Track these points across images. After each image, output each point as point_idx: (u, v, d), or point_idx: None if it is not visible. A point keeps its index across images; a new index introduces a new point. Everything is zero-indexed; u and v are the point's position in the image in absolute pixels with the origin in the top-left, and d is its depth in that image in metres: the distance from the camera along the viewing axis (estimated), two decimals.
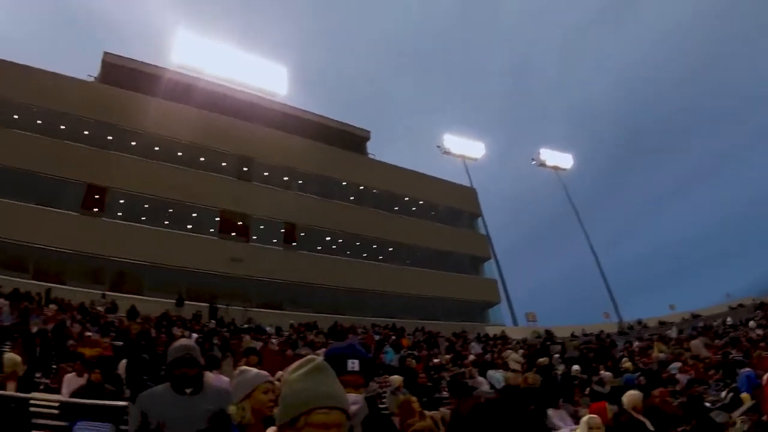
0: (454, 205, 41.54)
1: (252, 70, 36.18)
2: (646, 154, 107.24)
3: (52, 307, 20.00)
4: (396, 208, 38.14)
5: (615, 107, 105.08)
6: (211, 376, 3.46)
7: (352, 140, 39.57)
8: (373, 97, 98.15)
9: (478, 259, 41.94)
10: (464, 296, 37.99)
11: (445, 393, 13.81)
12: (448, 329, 30.42)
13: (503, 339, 29.68)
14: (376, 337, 24.65)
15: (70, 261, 26.32)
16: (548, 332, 32.79)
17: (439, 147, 44.90)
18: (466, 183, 44.66)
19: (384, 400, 10.24)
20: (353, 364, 1.91)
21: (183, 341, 3.15)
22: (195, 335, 18.67)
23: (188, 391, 2.88)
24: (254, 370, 2.82)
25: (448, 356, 19.81)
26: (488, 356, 20.07)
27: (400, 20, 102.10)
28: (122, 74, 31.63)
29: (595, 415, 5.78)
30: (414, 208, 39.24)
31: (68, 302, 21.57)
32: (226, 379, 6.33)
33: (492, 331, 33.29)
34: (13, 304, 18.95)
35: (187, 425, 2.72)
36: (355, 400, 1.73)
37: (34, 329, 14.87)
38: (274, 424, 1.49)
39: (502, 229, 56.51)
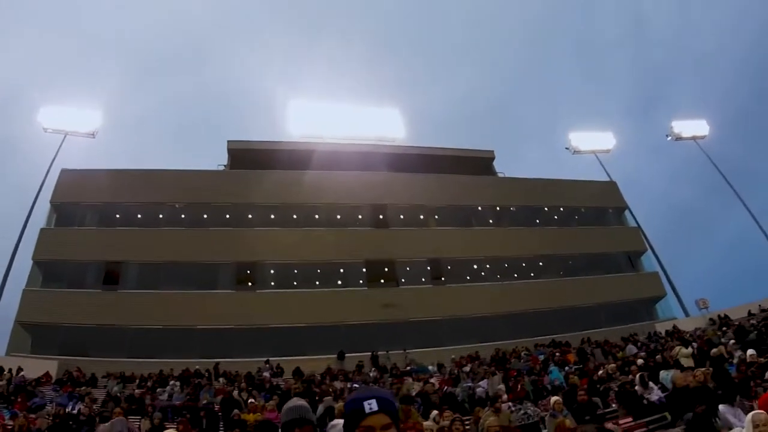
0: (596, 204, 38.82)
1: (368, 120, 37.32)
2: None
3: (222, 380, 21.47)
4: (537, 221, 36.45)
5: (746, 56, 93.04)
6: None
7: (479, 164, 38.90)
8: (488, 116, 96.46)
9: (634, 253, 38.35)
10: (627, 296, 34.85)
11: (614, 405, 12.45)
12: (616, 335, 28.50)
13: (676, 333, 26.60)
14: (541, 357, 23.21)
15: (232, 335, 28.43)
16: (722, 317, 28.94)
17: (567, 148, 42.43)
18: (603, 178, 41.57)
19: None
20: (370, 405, 1.76)
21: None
22: (356, 385, 18.92)
23: None
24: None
25: (614, 365, 17.94)
26: (659, 356, 17.72)
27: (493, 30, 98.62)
28: (247, 157, 34.70)
29: (761, 411, 4.89)
30: (556, 217, 37.19)
31: (236, 373, 22.95)
32: None
33: (663, 327, 30.09)
34: (183, 383, 20.44)
35: None
36: None
37: (203, 403, 15.67)
38: None
39: (653, 217, 51.84)
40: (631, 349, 22.29)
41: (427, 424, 10.19)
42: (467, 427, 11.95)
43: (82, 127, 36.73)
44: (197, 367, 24.35)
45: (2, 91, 75.75)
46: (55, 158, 34.91)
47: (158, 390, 20.03)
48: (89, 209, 32.06)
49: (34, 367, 23.15)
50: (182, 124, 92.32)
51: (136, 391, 20.37)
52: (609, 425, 8.80)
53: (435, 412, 10.95)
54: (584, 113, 77.27)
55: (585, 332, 29.88)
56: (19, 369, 22.41)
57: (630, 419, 10.61)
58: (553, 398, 9.98)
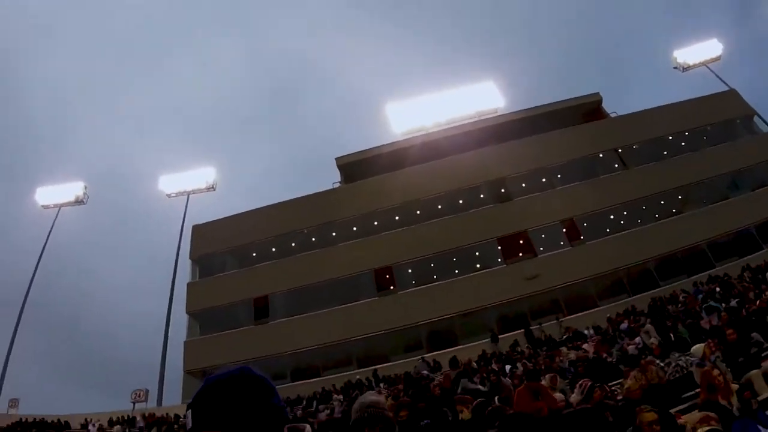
0: (722, 118, 35.44)
1: (465, 100, 36.88)
2: None
3: (382, 385, 21.82)
4: (665, 153, 33.84)
5: None
6: None
7: (586, 110, 37.19)
8: (584, 64, 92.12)
9: None
10: None
11: None
12: None
13: None
14: (699, 297, 21.21)
15: (385, 340, 29.22)
16: None
17: (676, 68, 39.49)
18: (721, 89, 38.05)
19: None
20: None
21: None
22: (509, 366, 18.58)
23: None
24: None
25: None
26: None
27: None
28: (358, 168, 35.72)
29: None
30: (683, 143, 34.37)
31: (395, 376, 23.21)
32: None
33: None
34: (345, 396, 21.00)
35: None
36: None
37: None
38: None
39: None
40: None
41: (557, 395, 9.53)
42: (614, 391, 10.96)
43: (201, 184, 39.43)
44: (357, 377, 25.12)
45: (124, 167, 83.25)
46: (184, 218, 37.73)
47: (320, 407, 20.73)
48: (227, 255, 34.18)
49: None
50: (293, 154, 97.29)
51: (299, 412, 21.19)
52: (767, 363, 7.74)
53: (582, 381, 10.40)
54: (681, 32, 71.23)
55: (744, 259, 27.44)
56: None
57: None
58: (698, 347, 9.13)
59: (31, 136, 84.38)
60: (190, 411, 1.28)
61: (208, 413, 1.22)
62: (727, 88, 37.80)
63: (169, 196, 40.17)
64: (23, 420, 26.50)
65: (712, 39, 41.01)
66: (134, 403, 29.90)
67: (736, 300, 17.18)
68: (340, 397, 21.56)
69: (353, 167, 36.08)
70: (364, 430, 2.60)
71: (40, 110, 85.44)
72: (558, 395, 10.72)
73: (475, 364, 21.45)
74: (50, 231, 40.68)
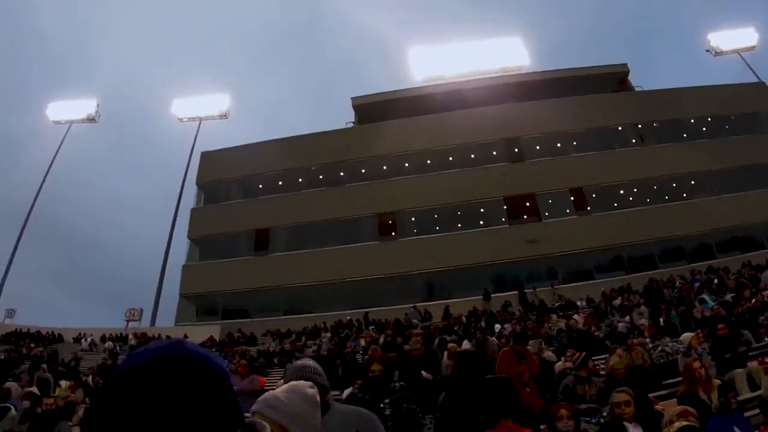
0: (747, 110, 34.54)
1: (490, 53, 36.22)
2: None
3: (371, 328, 22.16)
4: (685, 135, 33.25)
5: None
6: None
7: (612, 80, 36.43)
8: (616, 30, 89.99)
9: None
10: None
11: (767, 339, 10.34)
12: None
13: None
14: (695, 285, 20.98)
15: (380, 285, 29.33)
16: None
17: (708, 50, 38.52)
18: (751, 79, 37.21)
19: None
20: None
21: (299, 362, 2.67)
22: (498, 326, 18.61)
23: None
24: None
25: None
26: None
27: None
28: (373, 110, 35.34)
29: None
30: (704, 128, 33.76)
31: (385, 321, 23.47)
32: None
33: None
34: (334, 334, 21.31)
35: None
36: None
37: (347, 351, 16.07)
38: None
39: None
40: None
41: (548, 354, 9.36)
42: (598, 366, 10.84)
43: (213, 110, 39.17)
44: (348, 317, 25.42)
45: (137, 89, 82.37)
46: (194, 143, 37.62)
47: (308, 343, 21.08)
48: (233, 184, 34.30)
49: (200, 333, 25.37)
50: (309, 90, 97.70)
51: (287, 346, 21.54)
52: (752, 364, 7.62)
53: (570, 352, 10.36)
54: (721, 12, 68.56)
55: (745, 255, 26.84)
56: (185, 336, 24.69)
57: None
58: (687, 335, 9.03)
59: (45, 50, 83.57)
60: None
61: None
62: (756, 80, 36.98)
63: (181, 120, 39.98)
64: (18, 330, 27.11)
65: (750, 27, 39.89)
66: (128, 322, 30.49)
67: (732, 295, 17.05)
68: (329, 335, 21.91)
69: (368, 109, 35.77)
70: None
71: (55, 24, 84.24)
72: (549, 354, 10.77)
73: (464, 319, 21.66)
74: (59, 146, 40.63)
